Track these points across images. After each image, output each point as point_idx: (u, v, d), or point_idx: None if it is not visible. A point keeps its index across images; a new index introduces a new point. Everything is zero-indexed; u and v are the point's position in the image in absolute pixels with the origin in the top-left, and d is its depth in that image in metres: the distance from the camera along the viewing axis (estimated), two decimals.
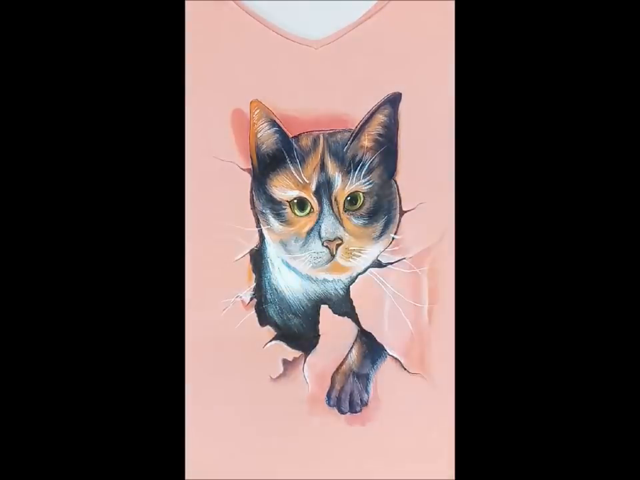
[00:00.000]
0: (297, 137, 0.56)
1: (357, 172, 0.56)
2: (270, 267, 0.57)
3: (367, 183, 0.56)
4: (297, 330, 0.57)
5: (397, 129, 0.56)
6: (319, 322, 0.57)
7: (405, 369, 0.57)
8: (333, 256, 0.56)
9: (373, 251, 0.56)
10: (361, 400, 0.57)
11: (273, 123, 0.56)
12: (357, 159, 0.56)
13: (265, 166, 0.56)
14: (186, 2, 0.54)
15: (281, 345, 0.57)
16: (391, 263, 0.56)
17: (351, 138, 0.56)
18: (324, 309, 0.57)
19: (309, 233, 0.56)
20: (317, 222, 0.56)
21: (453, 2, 0.52)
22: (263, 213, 0.56)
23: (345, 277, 0.56)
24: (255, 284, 0.57)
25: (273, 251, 0.57)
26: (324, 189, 0.55)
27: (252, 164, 0.56)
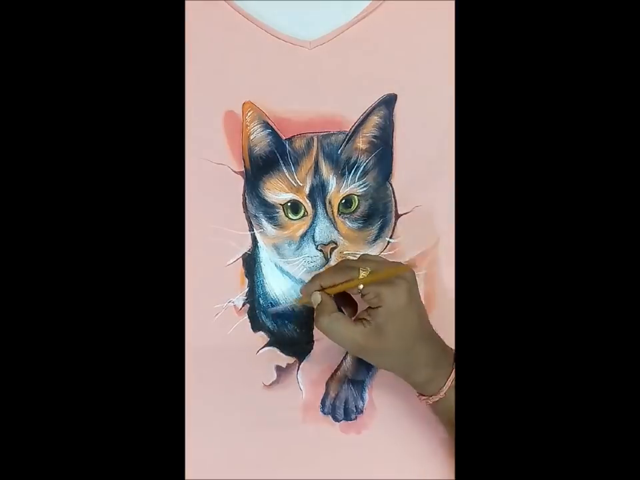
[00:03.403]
0: (290, 139, 0.55)
1: (351, 174, 0.55)
2: (263, 271, 0.56)
3: (362, 186, 0.55)
4: (291, 336, 0.56)
5: (393, 130, 0.55)
6: (313, 327, 0.56)
7: None
8: (327, 260, 0.55)
9: None
10: (356, 407, 0.56)
11: (266, 125, 0.55)
12: (352, 161, 0.55)
13: (258, 169, 0.55)
14: (186, 2, 0.53)
15: (275, 351, 0.56)
16: None
17: (346, 140, 0.55)
18: None
19: (302, 236, 0.55)
20: (310, 225, 0.55)
21: (453, 2, 0.52)
22: (255, 216, 0.55)
23: None
24: (247, 289, 0.56)
25: (266, 255, 0.56)
26: (318, 191, 0.55)
27: (245, 166, 0.55)
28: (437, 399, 0.48)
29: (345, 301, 0.50)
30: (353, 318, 0.48)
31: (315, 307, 0.48)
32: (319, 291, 0.48)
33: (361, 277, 0.46)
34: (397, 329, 0.46)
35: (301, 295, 0.51)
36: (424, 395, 0.49)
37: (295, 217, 0.55)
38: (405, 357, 0.47)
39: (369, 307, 0.47)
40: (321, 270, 0.55)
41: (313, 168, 0.55)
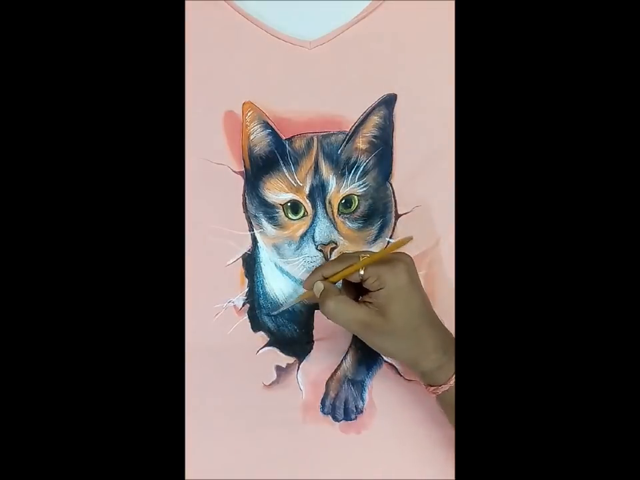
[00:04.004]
0: (290, 139, 0.55)
1: (351, 174, 0.55)
2: (263, 271, 0.56)
3: (362, 186, 0.55)
4: (291, 336, 0.56)
5: (393, 130, 0.55)
6: (313, 327, 0.56)
7: (401, 376, 0.56)
8: (327, 260, 0.55)
9: None
10: (355, 407, 0.56)
11: (266, 125, 0.55)
12: (352, 161, 0.55)
13: (258, 169, 0.55)
14: (185, 2, 0.53)
15: (275, 351, 0.56)
16: None
17: (345, 140, 0.55)
18: (318, 314, 0.56)
19: (302, 236, 0.55)
20: (310, 225, 0.55)
21: (453, 2, 0.52)
22: (255, 216, 0.55)
23: (339, 282, 0.55)
24: (247, 289, 0.56)
25: (265, 255, 0.56)
26: (318, 191, 0.55)
27: (245, 166, 0.55)
28: (446, 388, 0.48)
29: (347, 293, 0.50)
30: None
31: (318, 295, 0.49)
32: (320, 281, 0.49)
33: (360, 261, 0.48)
34: (400, 309, 0.47)
35: (303, 290, 0.51)
36: (432, 386, 0.49)
37: (294, 217, 0.55)
38: (412, 339, 0.47)
39: (371, 291, 0.48)
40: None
41: (312, 168, 0.55)
